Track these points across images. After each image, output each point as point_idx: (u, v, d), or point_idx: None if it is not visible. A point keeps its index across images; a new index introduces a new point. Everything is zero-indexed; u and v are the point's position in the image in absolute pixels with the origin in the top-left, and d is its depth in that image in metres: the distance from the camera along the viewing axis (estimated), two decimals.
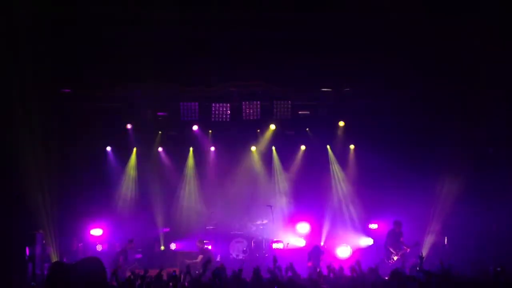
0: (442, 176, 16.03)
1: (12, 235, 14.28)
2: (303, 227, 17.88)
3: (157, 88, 16.18)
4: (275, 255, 11.10)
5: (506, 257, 12.65)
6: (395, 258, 15.05)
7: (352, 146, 18.54)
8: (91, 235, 16.83)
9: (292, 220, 18.14)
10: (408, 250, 14.98)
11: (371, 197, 17.09)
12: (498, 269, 9.22)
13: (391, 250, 15.19)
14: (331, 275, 10.40)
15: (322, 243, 17.31)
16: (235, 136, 18.01)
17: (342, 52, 14.93)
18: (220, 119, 16.90)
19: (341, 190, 18.57)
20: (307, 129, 18.45)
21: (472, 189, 15.33)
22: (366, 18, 14.14)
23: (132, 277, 10.10)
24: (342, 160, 18.70)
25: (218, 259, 16.50)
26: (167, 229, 17.58)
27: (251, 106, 16.80)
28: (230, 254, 16.84)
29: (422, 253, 12.21)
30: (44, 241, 14.95)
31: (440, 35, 14.16)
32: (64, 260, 14.79)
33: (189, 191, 18.67)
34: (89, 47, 14.04)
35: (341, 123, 17.99)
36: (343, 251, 16.61)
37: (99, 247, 16.63)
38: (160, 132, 18.20)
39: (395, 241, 15.24)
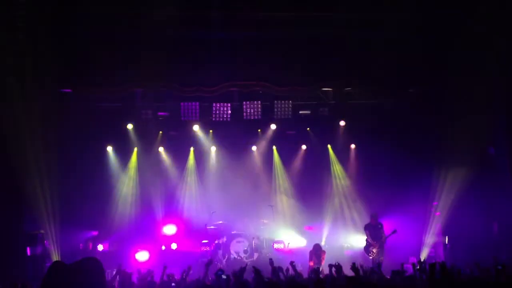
0: (443, 175, 16.01)
1: (13, 235, 14.28)
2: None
3: (157, 88, 16.17)
4: (272, 258, 11.08)
5: (507, 255, 12.61)
6: (375, 250, 15.15)
7: (353, 146, 18.52)
8: (92, 235, 16.84)
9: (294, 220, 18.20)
10: (386, 238, 15.12)
11: (372, 196, 17.07)
12: (499, 267, 9.18)
13: (369, 241, 15.31)
14: (334, 272, 10.36)
15: (323, 243, 17.30)
16: (236, 136, 17.98)
17: (343, 51, 14.94)
18: (221, 119, 16.87)
19: (342, 189, 18.56)
20: (308, 128, 18.44)
21: (473, 187, 15.30)
22: (366, 18, 14.16)
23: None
24: (343, 160, 18.69)
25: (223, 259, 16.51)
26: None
27: (252, 106, 16.77)
28: (231, 254, 16.81)
29: (420, 257, 12.22)
30: (45, 241, 14.97)
31: (441, 34, 14.18)
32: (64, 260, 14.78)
33: (190, 191, 18.68)
34: (89, 47, 14.03)
35: (342, 123, 17.95)
36: None
37: (100, 247, 16.62)
38: (160, 132, 18.17)
39: (373, 233, 15.33)
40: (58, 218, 15.18)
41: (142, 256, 16.51)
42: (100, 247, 16.57)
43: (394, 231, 15.06)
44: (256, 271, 9.61)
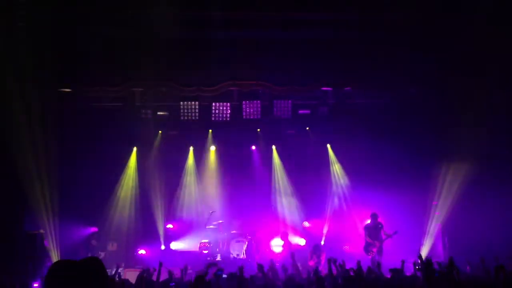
0: (442, 175, 16.04)
1: (13, 234, 14.28)
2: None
3: (157, 87, 16.18)
4: (272, 259, 11.10)
5: (507, 255, 12.62)
6: (374, 250, 15.19)
7: (352, 145, 18.53)
8: (92, 234, 16.88)
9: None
10: (387, 237, 15.16)
11: (371, 195, 17.09)
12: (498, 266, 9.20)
13: (369, 241, 15.34)
14: (334, 269, 10.37)
15: (322, 242, 17.33)
16: (235, 135, 18.01)
17: (342, 51, 14.96)
18: (220, 119, 16.88)
19: (341, 189, 18.58)
20: (308, 128, 18.46)
21: (472, 187, 15.31)
22: (366, 17, 14.18)
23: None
24: (342, 159, 18.71)
25: (218, 258, 16.53)
26: (170, 224, 17.75)
27: (251, 105, 16.79)
28: (230, 254, 16.83)
29: (420, 253, 12.22)
30: (44, 241, 14.97)
31: (440, 33, 14.19)
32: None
33: (189, 191, 18.70)
34: (89, 47, 14.04)
35: (341, 123, 17.97)
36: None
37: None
38: (160, 131, 18.20)
39: (373, 233, 15.37)
40: (57, 217, 15.19)
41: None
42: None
43: (396, 232, 15.07)
44: (260, 267, 9.65)
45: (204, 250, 16.56)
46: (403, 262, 10.54)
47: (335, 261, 10.35)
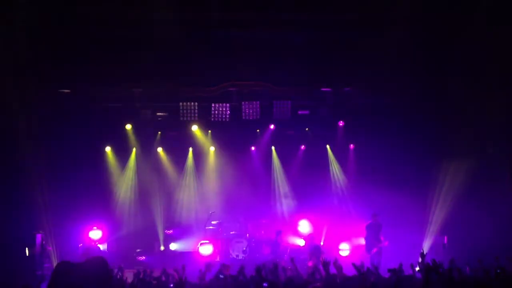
0: (442, 175, 16.05)
1: (12, 235, 14.27)
2: (305, 225, 17.98)
3: (156, 88, 16.18)
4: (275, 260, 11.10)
5: (506, 255, 12.63)
6: (375, 249, 15.19)
7: (351, 146, 18.55)
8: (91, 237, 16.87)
9: (293, 220, 18.22)
10: (386, 243, 15.13)
11: (370, 196, 17.08)
12: (498, 270, 9.19)
13: (369, 241, 15.34)
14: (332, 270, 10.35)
15: (322, 243, 17.32)
16: (235, 136, 18.01)
17: (342, 51, 14.98)
18: (220, 119, 16.87)
19: (340, 189, 18.57)
20: (307, 128, 18.46)
21: (472, 187, 15.33)
22: (365, 17, 14.20)
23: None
24: (342, 160, 18.71)
25: (217, 259, 16.52)
26: (170, 231, 17.73)
27: (251, 106, 16.78)
28: (230, 254, 16.83)
29: (422, 250, 12.19)
30: (43, 242, 14.97)
31: (440, 34, 14.22)
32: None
33: (189, 191, 18.68)
34: (89, 47, 14.05)
35: (341, 123, 17.98)
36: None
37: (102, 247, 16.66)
38: (159, 132, 18.20)
39: (374, 233, 15.36)
40: (56, 218, 15.19)
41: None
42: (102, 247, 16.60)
43: (386, 244, 15.15)
44: (257, 270, 9.62)
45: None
46: (400, 264, 10.53)
47: (328, 263, 10.32)
